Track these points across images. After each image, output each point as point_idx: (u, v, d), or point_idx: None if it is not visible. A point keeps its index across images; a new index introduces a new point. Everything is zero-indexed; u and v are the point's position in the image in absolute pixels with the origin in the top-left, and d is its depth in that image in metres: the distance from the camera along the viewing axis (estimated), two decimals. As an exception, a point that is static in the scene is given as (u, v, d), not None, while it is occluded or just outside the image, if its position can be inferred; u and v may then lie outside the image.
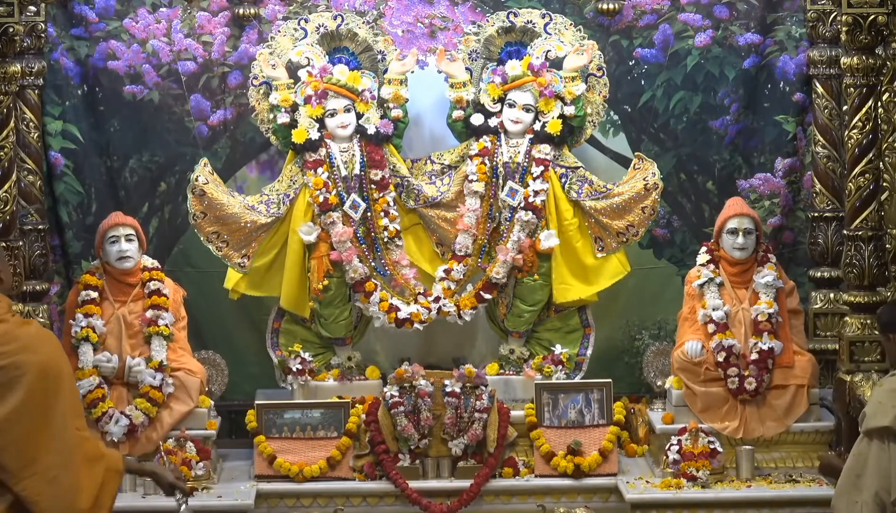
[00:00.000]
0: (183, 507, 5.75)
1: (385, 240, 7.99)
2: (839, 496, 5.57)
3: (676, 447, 7.53)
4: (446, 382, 7.64)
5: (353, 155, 7.95)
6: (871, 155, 7.61)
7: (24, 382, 5.14)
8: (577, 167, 8.06)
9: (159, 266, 7.97)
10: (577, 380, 7.99)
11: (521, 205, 7.94)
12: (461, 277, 8.04)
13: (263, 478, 7.60)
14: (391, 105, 7.96)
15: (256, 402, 7.77)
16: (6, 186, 7.63)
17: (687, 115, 8.37)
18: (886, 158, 7.53)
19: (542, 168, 7.93)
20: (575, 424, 7.73)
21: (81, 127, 8.21)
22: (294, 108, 7.91)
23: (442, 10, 8.31)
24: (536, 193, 7.93)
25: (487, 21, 8.12)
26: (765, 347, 7.72)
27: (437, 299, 7.99)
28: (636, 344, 8.37)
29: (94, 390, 7.52)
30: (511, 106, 7.97)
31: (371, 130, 7.94)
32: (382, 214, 7.96)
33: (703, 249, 8.01)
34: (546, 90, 7.91)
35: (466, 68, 8.05)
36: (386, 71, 8.03)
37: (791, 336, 7.85)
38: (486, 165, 7.99)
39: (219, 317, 8.33)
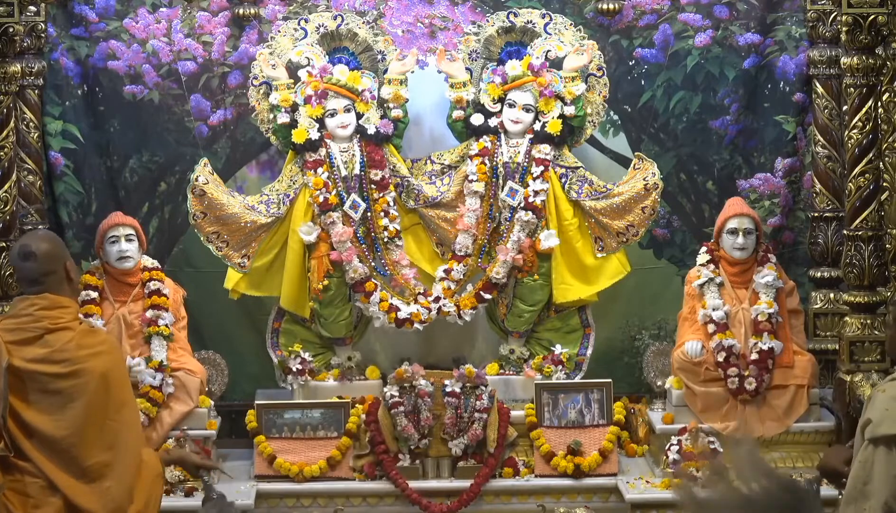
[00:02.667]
0: (213, 483, 5.76)
1: (385, 240, 7.99)
2: (847, 504, 5.54)
3: (676, 447, 7.53)
4: (446, 382, 7.64)
5: (353, 155, 7.95)
6: (871, 155, 7.61)
7: (87, 391, 5.17)
8: (577, 167, 8.06)
9: (159, 266, 7.97)
10: (577, 380, 7.99)
11: (521, 205, 7.94)
12: (461, 277, 8.04)
13: (263, 478, 7.60)
14: (391, 105, 7.97)
15: (256, 402, 7.77)
16: (6, 186, 7.63)
17: (687, 115, 8.36)
18: (886, 158, 7.53)
19: (542, 168, 7.93)
20: (575, 424, 7.73)
21: (81, 127, 8.20)
22: (294, 108, 7.91)
23: (442, 10, 8.31)
24: (536, 193, 7.93)
25: (487, 21, 8.12)
26: (765, 347, 7.72)
27: (437, 299, 7.99)
28: (636, 344, 8.36)
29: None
30: (511, 106, 7.97)
31: (371, 130, 7.94)
32: (382, 214, 7.96)
33: (703, 249, 8.01)
34: (546, 90, 7.91)
35: (466, 68, 8.06)
36: (386, 71, 8.03)
37: (791, 336, 7.85)
38: (486, 165, 7.99)
39: (219, 317, 8.33)
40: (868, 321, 7.65)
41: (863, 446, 5.51)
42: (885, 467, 5.40)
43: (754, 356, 7.72)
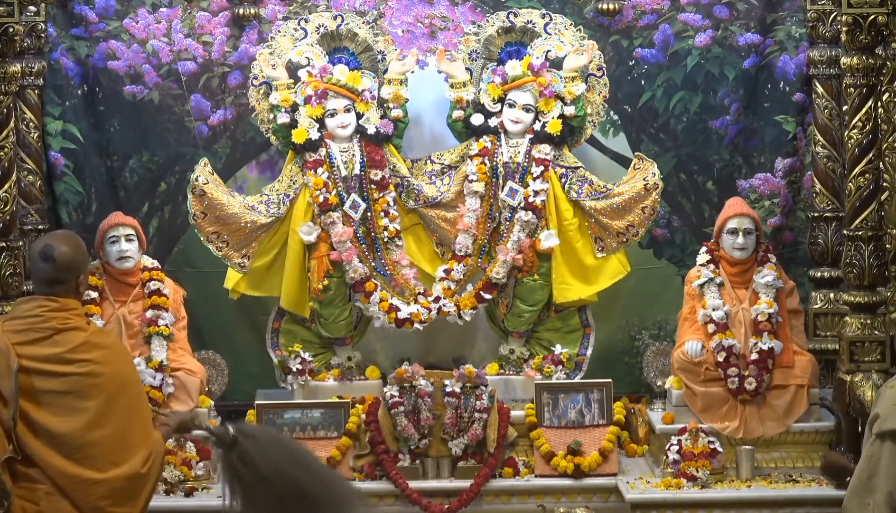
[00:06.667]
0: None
1: (385, 240, 7.99)
2: (851, 497, 5.56)
3: (676, 447, 7.53)
4: (446, 382, 7.64)
5: (353, 155, 7.95)
6: (871, 155, 7.60)
7: (102, 390, 5.17)
8: (577, 167, 8.06)
9: (159, 266, 7.97)
10: (577, 380, 7.99)
11: (521, 205, 7.94)
12: (461, 277, 8.04)
13: (263, 478, 7.60)
14: (391, 105, 7.97)
15: (256, 402, 7.77)
16: (6, 186, 7.62)
17: (687, 115, 8.37)
18: (886, 158, 7.52)
19: (542, 168, 7.94)
20: (575, 424, 7.73)
21: (81, 127, 8.21)
22: (294, 108, 7.91)
23: (442, 10, 8.31)
24: (536, 193, 7.93)
25: (487, 21, 8.12)
26: (765, 347, 7.72)
27: (437, 299, 7.99)
28: (636, 344, 8.36)
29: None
30: (511, 106, 7.97)
31: (371, 130, 7.94)
32: (382, 214, 7.96)
33: (703, 249, 8.01)
34: (546, 90, 7.91)
35: (466, 68, 8.06)
36: (386, 71, 8.03)
37: (791, 336, 7.85)
38: (486, 165, 7.99)
39: (219, 317, 8.33)
40: (868, 321, 7.64)
41: (870, 440, 5.52)
42: (891, 462, 5.41)
43: (754, 356, 7.72)
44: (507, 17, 8.06)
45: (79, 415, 5.15)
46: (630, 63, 8.32)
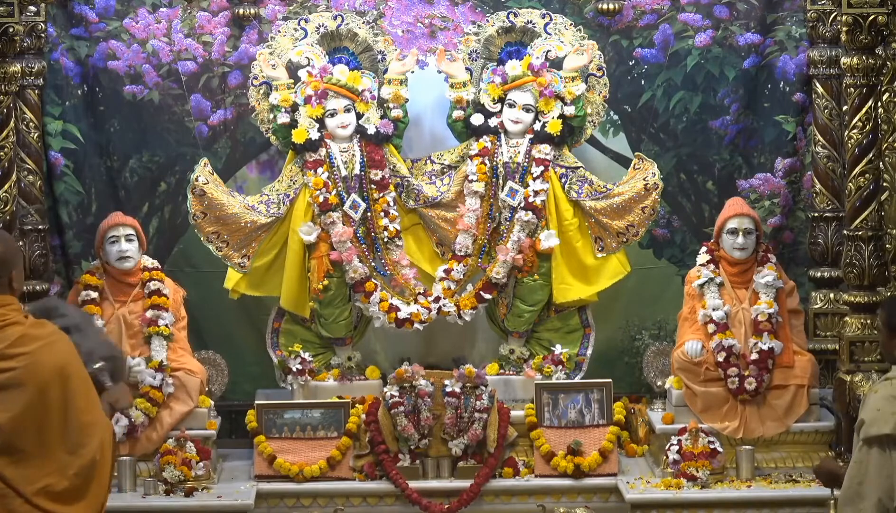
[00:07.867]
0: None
1: (385, 240, 8.00)
2: (843, 505, 5.57)
3: (676, 447, 7.53)
4: (446, 382, 7.64)
5: (353, 155, 7.95)
6: (871, 155, 7.61)
7: (40, 381, 5.13)
8: (577, 167, 8.06)
9: (159, 266, 7.98)
10: (577, 380, 7.99)
11: (521, 205, 7.94)
12: (461, 277, 8.04)
13: (263, 478, 7.60)
14: (391, 105, 7.97)
15: (256, 402, 7.77)
16: (6, 186, 7.63)
17: (687, 115, 8.37)
18: (886, 158, 7.52)
19: (542, 168, 7.94)
20: (575, 424, 7.73)
21: (81, 127, 8.21)
22: (294, 108, 7.91)
23: (442, 10, 8.31)
24: (536, 193, 7.93)
25: (487, 21, 8.12)
26: (765, 347, 7.72)
27: (437, 299, 7.99)
28: (636, 344, 8.37)
29: (94, 390, 7.51)
30: (511, 106, 7.97)
31: (371, 130, 7.94)
32: (382, 214, 7.96)
33: (703, 249, 8.01)
34: (546, 90, 7.91)
35: (466, 68, 8.06)
36: (386, 71, 8.03)
37: (791, 336, 7.85)
38: (486, 165, 7.99)
39: (219, 317, 8.33)
40: (868, 321, 7.64)
41: (857, 446, 5.53)
42: (879, 466, 5.42)
43: (754, 356, 7.72)
44: (507, 17, 8.06)
45: (20, 409, 5.08)
46: (630, 63, 8.32)
